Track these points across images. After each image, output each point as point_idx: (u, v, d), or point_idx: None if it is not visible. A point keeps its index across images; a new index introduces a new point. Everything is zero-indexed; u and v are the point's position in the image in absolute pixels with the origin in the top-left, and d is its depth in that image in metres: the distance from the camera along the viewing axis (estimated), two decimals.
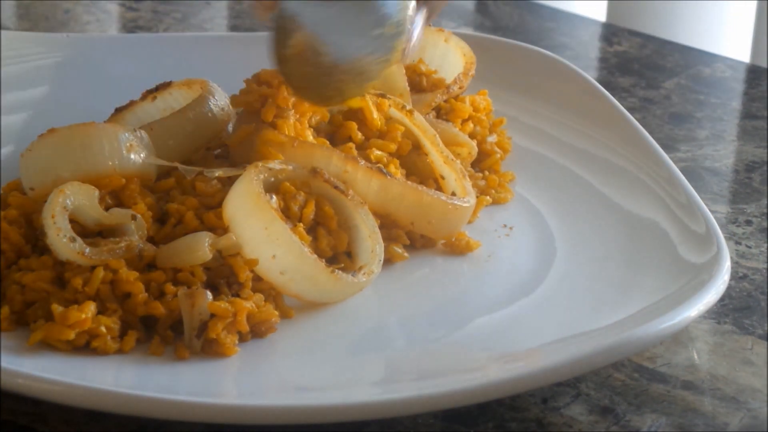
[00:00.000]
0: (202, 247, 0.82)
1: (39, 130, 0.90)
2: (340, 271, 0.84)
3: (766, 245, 0.98)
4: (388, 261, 0.90)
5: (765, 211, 1.03)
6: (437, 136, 0.96)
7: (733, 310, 0.88)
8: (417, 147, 0.97)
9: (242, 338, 0.81)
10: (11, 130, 1.04)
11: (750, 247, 0.97)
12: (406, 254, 0.92)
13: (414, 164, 0.96)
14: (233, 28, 1.48)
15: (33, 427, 0.75)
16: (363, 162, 0.90)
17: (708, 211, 0.90)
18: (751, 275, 0.93)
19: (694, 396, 0.80)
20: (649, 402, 0.79)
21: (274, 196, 0.85)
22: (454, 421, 0.76)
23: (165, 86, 0.99)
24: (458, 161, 0.96)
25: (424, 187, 0.92)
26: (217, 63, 1.05)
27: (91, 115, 0.92)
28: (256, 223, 0.83)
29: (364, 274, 0.86)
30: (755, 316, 0.88)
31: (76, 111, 0.98)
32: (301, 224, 0.86)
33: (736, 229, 1.00)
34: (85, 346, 0.79)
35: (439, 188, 0.95)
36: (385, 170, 0.91)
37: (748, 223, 1.02)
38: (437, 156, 0.96)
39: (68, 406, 0.73)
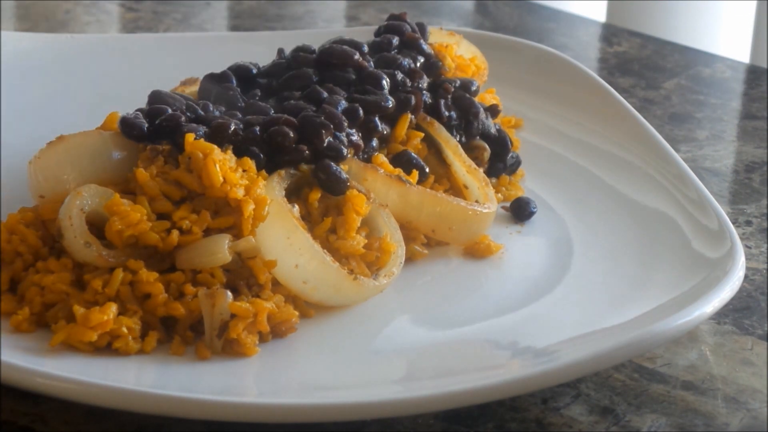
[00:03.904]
0: (221, 249, 0.81)
1: (42, 132, 0.90)
2: (362, 277, 0.84)
3: (766, 246, 0.98)
4: (408, 259, 0.90)
5: (765, 211, 1.03)
6: (459, 145, 0.97)
7: (733, 311, 0.89)
8: (431, 147, 0.97)
9: (262, 338, 0.81)
10: (14, 133, 1.04)
11: (750, 248, 0.97)
12: (425, 251, 0.92)
13: (428, 163, 0.96)
14: (233, 28, 1.48)
15: (33, 427, 0.75)
16: (382, 171, 0.90)
17: (719, 207, 0.90)
18: (751, 276, 0.93)
19: (694, 396, 0.80)
20: (649, 402, 0.79)
21: (296, 205, 0.85)
22: (454, 421, 0.76)
23: (192, 82, 1.00)
24: (481, 170, 0.97)
25: (444, 194, 0.92)
26: (217, 63, 1.05)
27: (94, 116, 0.92)
28: (278, 232, 0.83)
29: (385, 276, 0.86)
30: (755, 316, 0.88)
31: (78, 112, 0.98)
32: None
33: (736, 229, 0.99)
34: (107, 346, 0.79)
35: (458, 192, 0.95)
36: (404, 178, 0.91)
37: (748, 223, 1.02)
38: (460, 166, 0.96)
39: (73, 405, 0.73)
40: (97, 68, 1.17)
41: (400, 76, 0.97)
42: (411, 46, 1.02)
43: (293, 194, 0.87)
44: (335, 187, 0.87)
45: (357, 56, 0.97)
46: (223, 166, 0.83)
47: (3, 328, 0.80)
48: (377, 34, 1.04)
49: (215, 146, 0.84)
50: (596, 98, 1.11)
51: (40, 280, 0.81)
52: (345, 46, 0.98)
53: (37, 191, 0.87)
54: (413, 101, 0.96)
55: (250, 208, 0.82)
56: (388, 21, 1.06)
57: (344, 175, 0.88)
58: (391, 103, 0.94)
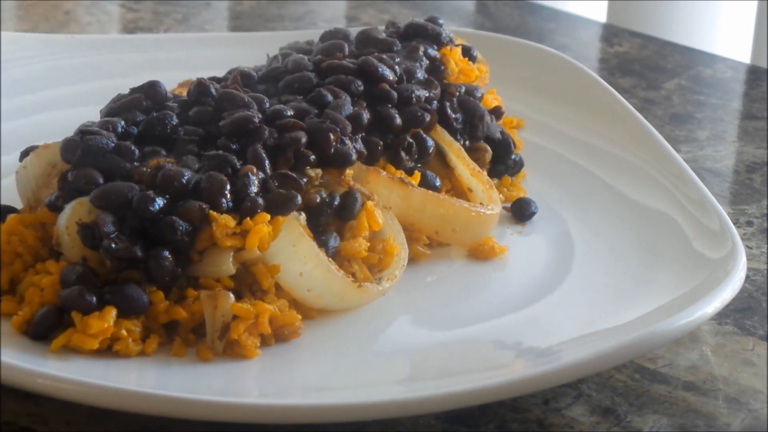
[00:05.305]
0: (226, 261, 0.81)
1: (43, 132, 0.90)
2: (366, 284, 0.84)
3: (766, 246, 0.98)
4: (411, 260, 0.90)
5: (765, 212, 1.03)
6: (462, 149, 0.96)
7: (734, 311, 0.88)
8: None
9: (265, 341, 0.81)
10: (14, 133, 1.04)
11: (751, 248, 0.97)
12: (428, 252, 0.92)
13: (430, 166, 0.96)
14: (233, 28, 1.48)
15: (34, 428, 0.75)
16: (384, 173, 0.90)
17: (720, 207, 0.90)
18: (752, 276, 0.93)
19: (695, 397, 0.80)
20: (651, 403, 0.79)
21: (303, 213, 0.84)
22: (455, 422, 0.76)
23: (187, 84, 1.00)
24: (485, 171, 0.96)
25: (446, 196, 0.92)
26: (217, 64, 1.05)
27: (94, 117, 0.92)
28: (283, 240, 0.82)
29: (387, 279, 0.86)
30: (756, 317, 0.88)
31: (78, 113, 0.98)
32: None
33: (737, 229, 0.99)
34: (107, 349, 0.78)
35: (461, 195, 0.95)
36: (406, 180, 0.91)
37: (749, 224, 1.02)
38: (464, 169, 0.96)
39: (74, 406, 0.73)
40: (97, 68, 1.17)
41: (417, 91, 0.96)
42: (431, 39, 1.02)
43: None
44: (347, 215, 0.87)
45: (390, 76, 0.96)
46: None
47: (3, 329, 0.79)
48: (391, 33, 1.03)
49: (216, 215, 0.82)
50: (597, 98, 1.11)
51: (39, 281, 0.81)
52: (380, 64, 0.96)
53: (26, 199, 0.88)
54: (428, 119, 0.95)
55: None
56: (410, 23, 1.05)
57: (358, 203, 0.87)
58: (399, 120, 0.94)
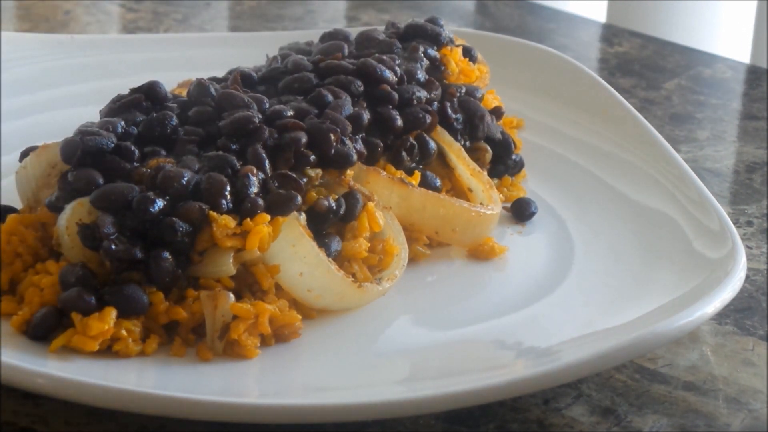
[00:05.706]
0: (226, 261, 0.81)
1: (43, 132, 0.90)
2: (366, 284, 0.84)
3: (766, 246, 0.98)
4: (411, 260, 0.90)
5: (765, 212, 1.03)
6: (462, 149, 0.96)
7: (734, 311, 0.88)
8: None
9: (266, 342, 0.81)
10: (14, 133, 1.04)
11: (751, 248, 0.97)
12: (428, 252, 0.92)
13: (431, 168, 0.96)
14: (233, 29, 1.48)
15: (34, 428, 0.75)
16: (384, 173, 0.90)
17: (720, 207, 0.90)
18: (752, 276, 0.93)
19: (695, 397, 0.80)
20: (651, 403, 0.79)
21: (303, 213, 0.85)
22: (455, 422, 0.76)
23: (188, 84, 1.00)
24: (485, 172, 0.96)
25: (446, 196, 0.92)
26: (217, 64, 1.05)
27: (93, 117, 0.92)
28: (283, 240, 0.82)
29: (387, 279, 0.86)
30: (756, 317, 0.88)
31: (78, 113, 0.98)
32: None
33: (737, 230, 0.99)
34: (107, 349, 0.78)
35: (462, 195, 0.95)
36: (406, 180, 0.91)
37: (749, 224, 1.02)
38: (464, 169, 0.96)
39: (74, 406, 0.73)
40: (97, 68, 1.17)
41: (418, 92, 0.96)
42: (431, 39, 1.02)
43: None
44: (348, 216, 0.87)
45: (390, 77, 0.95)
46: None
47: (3, 329, 0.79)
48: (391, 34, 1.03)
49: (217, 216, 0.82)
50: (597, 99, 1.11)
51: (39, 281, 0.81)
52: (379, 65, 0.95)
53: (26, 199, 0.88)
54: (429, 120, 0.95)
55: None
56: (410, 25, 1.05)
57: (359, 204, 0.87)
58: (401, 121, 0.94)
